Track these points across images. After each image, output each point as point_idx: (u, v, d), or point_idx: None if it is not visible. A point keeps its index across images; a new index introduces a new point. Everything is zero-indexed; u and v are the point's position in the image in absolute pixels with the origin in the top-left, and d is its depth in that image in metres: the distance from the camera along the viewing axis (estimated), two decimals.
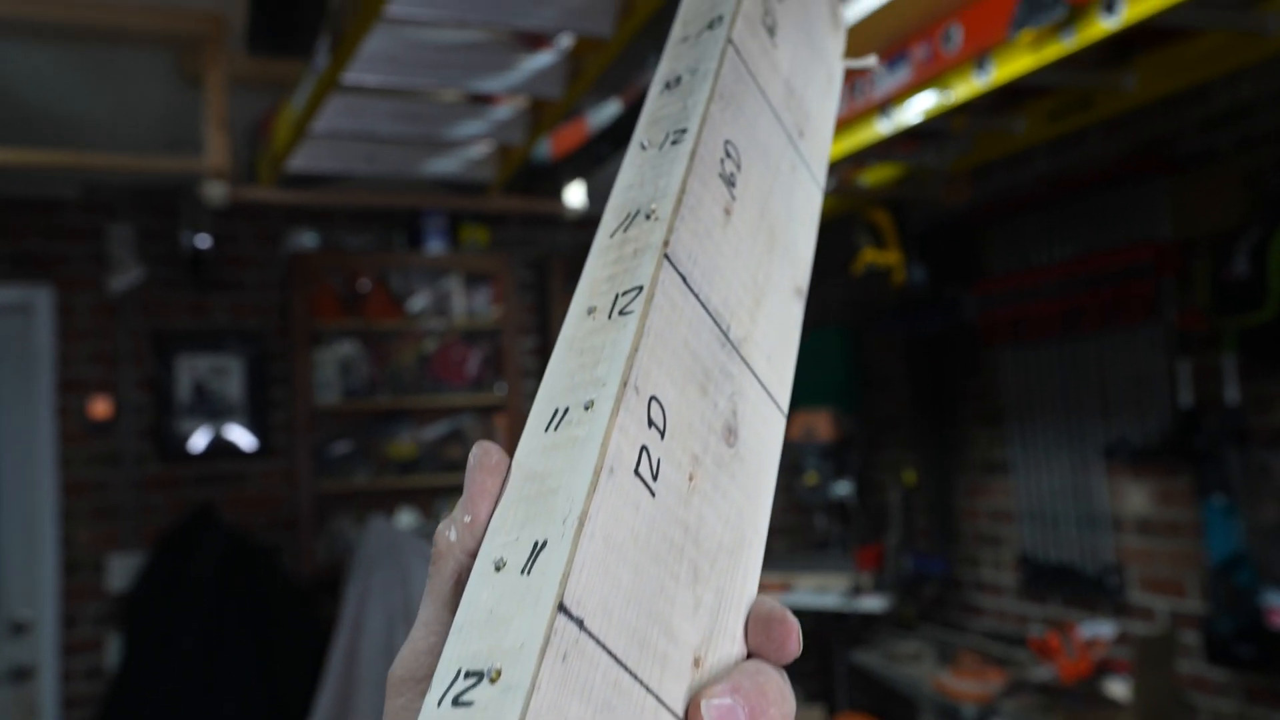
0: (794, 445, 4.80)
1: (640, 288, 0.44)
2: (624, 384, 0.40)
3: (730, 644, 0.42)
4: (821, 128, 0.67)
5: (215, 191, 2.93)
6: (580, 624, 0.35)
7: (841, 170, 3.79)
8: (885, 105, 2.98)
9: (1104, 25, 2.27)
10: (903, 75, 2.84)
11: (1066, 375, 3.81)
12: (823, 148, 0.67)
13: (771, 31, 0.63)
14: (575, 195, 3.94)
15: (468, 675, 0.35)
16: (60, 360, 4.14)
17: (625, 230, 0.48)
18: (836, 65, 0.73)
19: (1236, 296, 3.04)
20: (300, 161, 3.07)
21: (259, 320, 4.44)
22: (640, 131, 0.54)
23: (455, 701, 0.34)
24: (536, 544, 0.37)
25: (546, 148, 3.40)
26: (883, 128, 3.02)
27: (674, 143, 0.51)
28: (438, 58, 2.49)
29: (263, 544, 4.13)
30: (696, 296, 0.46)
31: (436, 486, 4.60)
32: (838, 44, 0.75)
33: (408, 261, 4.62)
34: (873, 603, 4.25)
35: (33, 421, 4.11)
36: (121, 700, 3.70)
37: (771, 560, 4.92)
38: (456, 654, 0.36)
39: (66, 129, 3.50)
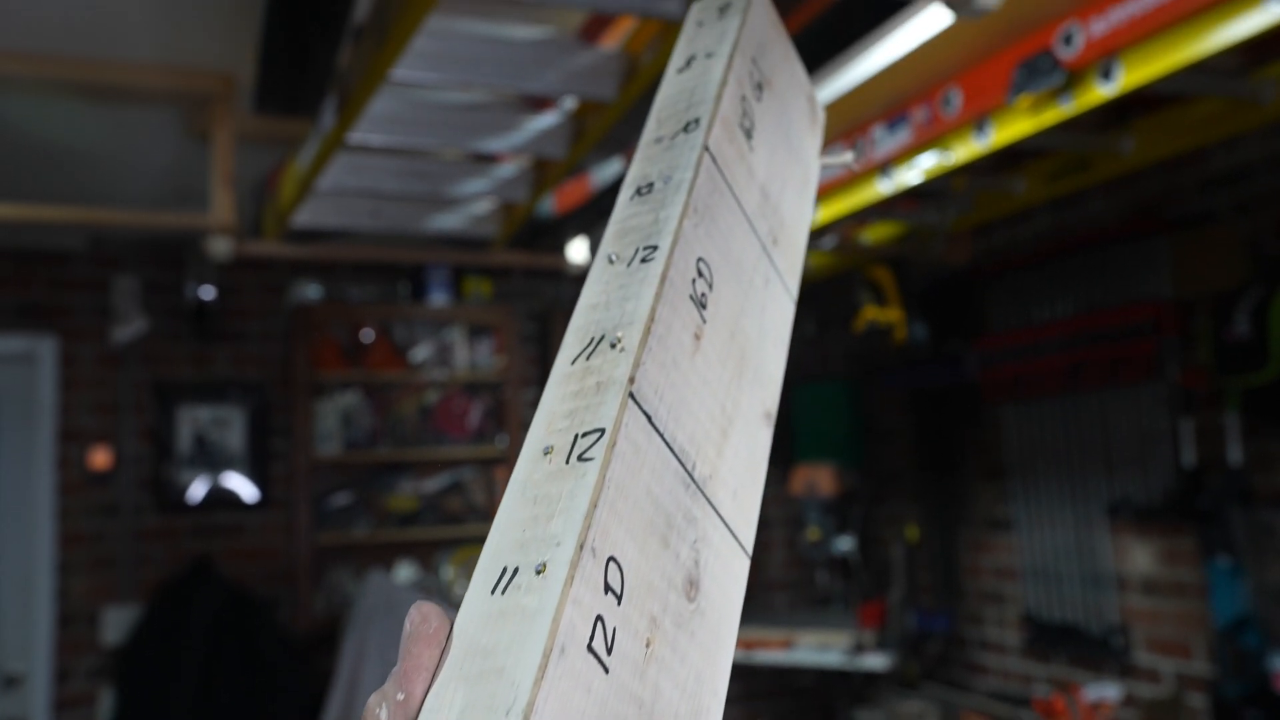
0: (796, 500, 4.77)
1: (602, 430, 0.41)
2: (580, 546, 0.37)
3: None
4: (796, 232, 0.66)
5: (220, 247, 2.95)
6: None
7: (842, 228, 3.82)
8: (886, 165, 3.01)
9: (1101, 92, 2.29)
10: (903, 137, 2.87)
11: (1069, 432, 3.80)
12: (797, 254, 0.65)
13: (749, 134, 0.61)
14: (579, 250, 3.96)
15: None
16: (62, 410, 4.14)
17: (588, 358, 0.45)
18: (813, 163, 0.72)
19: (1238, 356, 3.04)
20: (305, 217, 3.10)
21: (261, 371, 4.45)
22: (608, 242, 0.52)
23: None
24: None
25: (550, 204, 3.43)
26: (883, 187, 3.05)
27: (644, 260, 0.49)
28: (442, 118, 2.52)
29: (260, 597, 4.10)
30: (662, 436, 0.44)
31: (437, 539, 4.57)
32: (815, 140, 0.74)
33: (411, 313, 4.64)
34: (875, 661, 4.20)
35: (32, 472, 4.10)
36: None
37: (773, 616, 4.87)
38: None
39: (77, 180, 3.54)
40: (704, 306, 0.50)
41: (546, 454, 0.42)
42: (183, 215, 3.15)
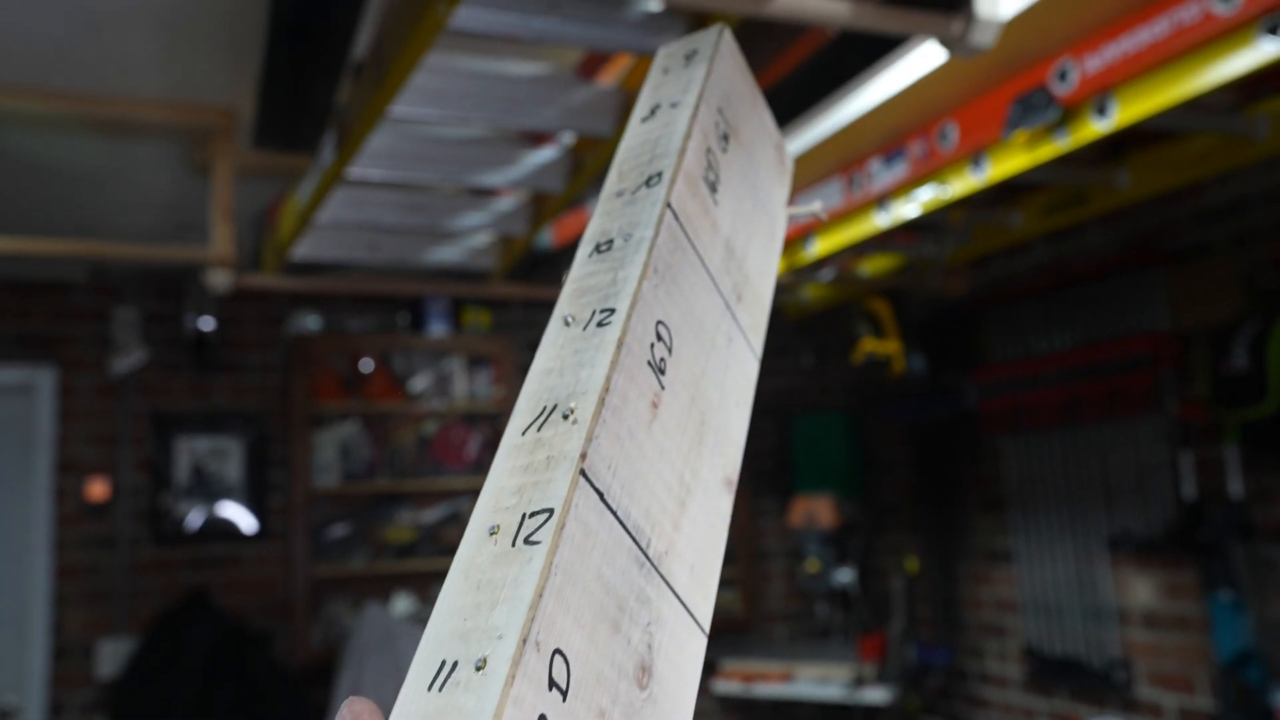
0: (795, 531, 4.76)
1: (551, 511, 0.39)
2: (523, 641, 0.35)
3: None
4: (761, 286, 0.64)
5: (220, 280, 2.95)
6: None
7: (840, 260, 3.83)
8: (883, 199, 3.02)
9: (1096, 128, 2.31)
10: (900, 170, 2.88)
11: (1068, 464, 3.79)
12: (761, 309, 0.63)
13: (714, 187, 0.59)
14: None
15: None
16: (60, 441, 4.14)
17: (539, 429, 0.43)
18: (780, 214, 0.70)
19: (1236, 390, 3.04)
20: (304, 250, 3.11)
21: (260, 402, 4.45)
22: (565, 302, 0.50)
23: None
24: None
25: (549, 236, 3.44)
26: (880, 220, 3.06)
27: (600, 324, 0.47)
28: (441, 153, 2.53)
29: (256, 630, 4.08)
30: (614, 514, 0.42)
31: (434, 571, 4.55)
32: (783, 190, 0.72)
33: (410, 344, 4.64)
34: (876, 695, 4.17)
35: (29, 503, 4.09)
36: None
37: (772, 649, 4.84)
38: None
39: (79, 212, 3.55)
40: (662, 372, 0.49)
41: (492, 534, 0.40)
42: (182, 248, 3.16)
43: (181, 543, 4.25)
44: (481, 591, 0.38)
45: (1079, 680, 3.70)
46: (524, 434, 0.44)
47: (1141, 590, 3.51)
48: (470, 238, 3.29)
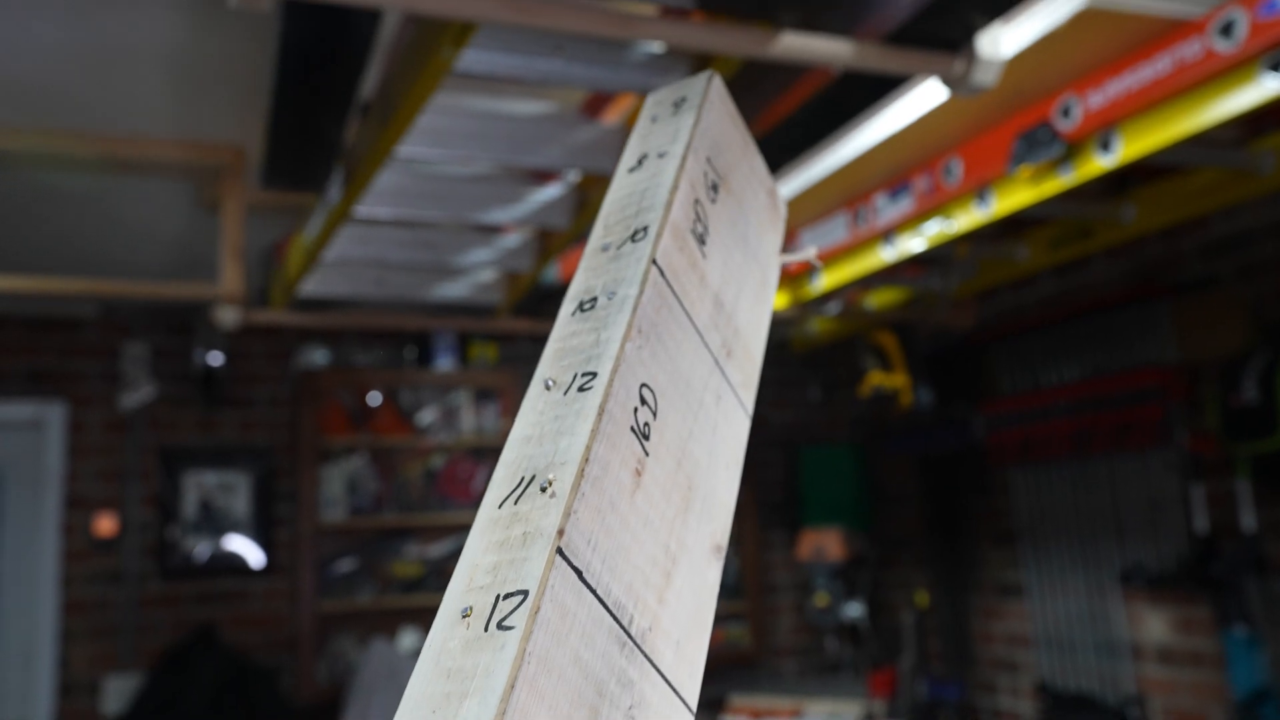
0: (803, 565, 4.73)
1: (526, 593, 0.37)
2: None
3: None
4: (752, 341, 0.62)
5: (228, 316, 2.97)
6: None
7: (847, 293, 3.83)
8: (889, 233, 3.03)
9: (1100, 163, 2.31)
10: (905, 205, 2.89)
11: (1078, 497, 3.76)
12: (753, 364, 0.62)
13: (702, 240, 0.58)
14: None
15: None
16: (68, 477, 4.15)
17: (516, 502, 0.42)
18: (773, 262, 0.68)
19: (1247, 423, 3.02)
20: (312, 286, 3.12)
21: (268, 436, 4.45)
22: (546, 364, 0.49)
23: None
24: None
25: (555, 270, 3.45)
26: (886, 255, 3.06)
27: (581, 389, 0.46)
28: (447, 191, 2.54)
29: (262, 665, 4.06)
30: (594, 592, 0.40)
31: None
32: (775, 237, 0.70)
33: (417, 378, 4.65)
34: None
35: (38, 539, 4.09)
36: None
37: (781, 684, 4.79)
38: None
39: (91, 249, 3.58)
40: (646, 438, 0.47)
41: (464, 617, 0.38)
42: (191, 285, 3.18)
43: (188, 577, 4.24)
44: (452, 680, 0.36)
45: (1093, 717, 3.66)
46: (500, 507, 0.42)
47: (1155, 625, 3.48)
48: (476, 273, 3.30)
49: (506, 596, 0.38)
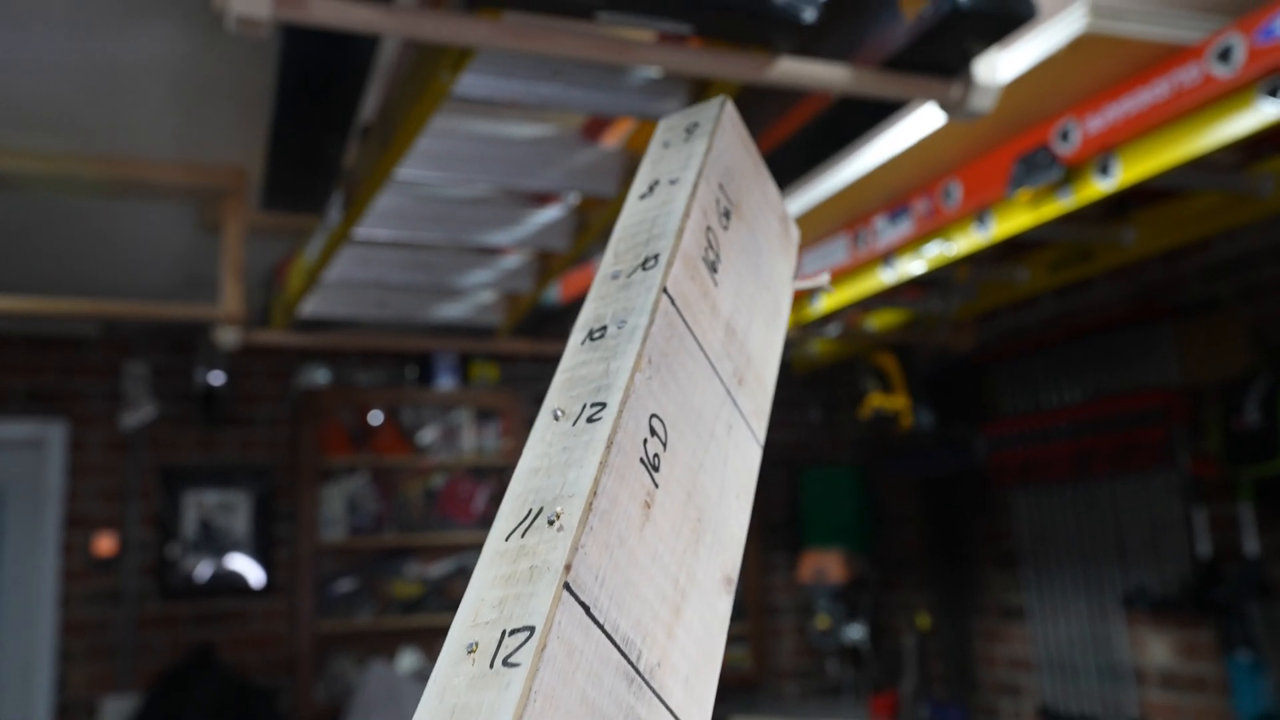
0: (805, 587, 4.71)
1: (532, 629, 0.37)
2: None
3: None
4: (764, 367, 0.62)
5: (229, 337, 2.97)
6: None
7: (847, 315, 3.83)
8: (888, 255, 3.03)
9: (1099, 187, 2.31)
10: (905, 228, 2.89)
11: (1081, 519, 3.75)
12: (765, 392, 0.61)
13: (713, 268, 0.58)
14: None
15: None
16: (69, 496, 4.14)
17: (523, 535, 0.41)
18: (785, 288, 0.68)
19: (1249, 446, 3.01)
20: (313, 307, 3.13)
21: (268, 456, 4.45)
22: (555, 394, 0.49)
23: None
24: None
25: (555, 292, 3.45)
26: (886, 277, 3.06)
27: (590, 420, 0.45)
28: (447, 213, 2.55)
29: (260, 686, 4.04)
30: (601, 628, 0.40)
31: (440, 627, 4.51)
32: (788, 262, 0.70)
33: (418, 397, 4.65)
34: None
35: (37, 559, 4.08)
36: None
37: (783, 707, 4.77)
38: None
39: (93, 269, 3.59)
40: (656, 469, 0.46)
41: (470, 653, 0.38)
42: (192, 306, 3.19)
43: (188, 597, 4.23)
44: (456, 718, 0.36)
45: None
46: (507, 539, 0.42)
47: (1158, 649, 3.45)
48: (477, 294, 3.31)
49: (512, 633, 0.38)
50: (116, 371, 4.25)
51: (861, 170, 2.67)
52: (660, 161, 0.63)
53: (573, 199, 2.62)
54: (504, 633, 0.38)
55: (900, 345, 4.13)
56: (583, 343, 0.51)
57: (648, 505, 0.45)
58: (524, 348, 3.82)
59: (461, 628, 0.39)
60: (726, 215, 0.61)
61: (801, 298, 3.45)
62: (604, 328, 0.51)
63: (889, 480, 4.85)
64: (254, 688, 3.97)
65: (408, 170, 2.16)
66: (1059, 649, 3.83)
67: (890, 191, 2.88)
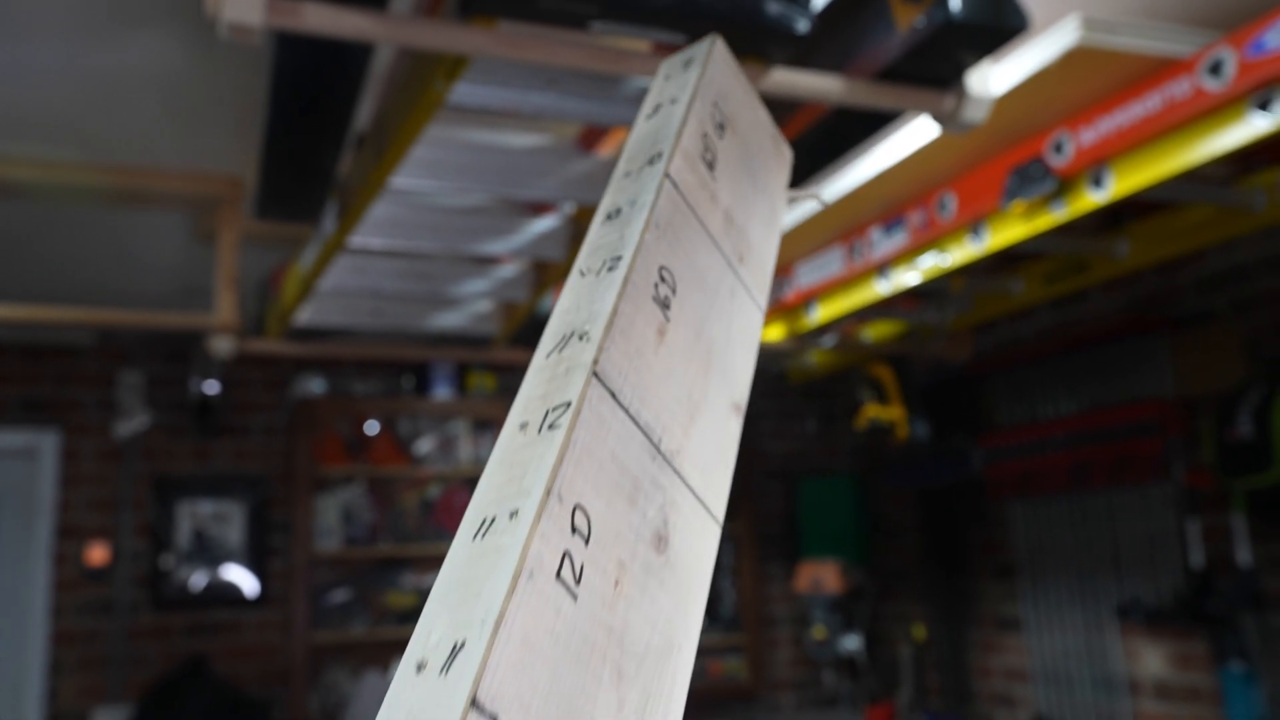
0: (801, 598, 4.70)
1: (569, 403, 0.45)
2: (547, 492, 0.42)
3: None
4: (763, 255, 0.69)
5: (223, 346, 2.97)
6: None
7: (842, 326, 3.83)
8: (884, 266, 3.03)
9: (1093, 199, 2.32)
10: (900, 239, 2.89)
11: (1077, 530, 3.75)
12: (764, 273, 0.69)
13: (711, 166, 0.66)
14: None
15: None
16: (61, 506, 4.13)
17: (560, 350, 0.49)
18: (780, 197, 0.77)
19: (1242, 457, 3.01)
20: (308, 316, 3.12)
21: (263, 465, 4.44)
22: (581, 260, 0.57)
23: None
24: (456, 645, 0.38)
25: (552, 301, 3.45)
26: (881, 288, 3.07)
27: (609, 269, 0.53)
28: (443, 222, 2.55)
29: (254, 698, 4.02)
30: (626, 411, 0.48)
31: None
32: (781, 176, 0.78)
33: (415, 407, 4.64)
34: None
35: (28, 569, 4.07)
36: None
37: (779, 718, 4.76)
38: None
39: (88, 278, 3.59)
40: (667, 307, 0.55)
41: (523, 429, 0.46)
42: (186, 315, 3.19)
43: (181, 608, 4.22)
44: (513, 469, 0.44)
45: None
46: (547, 357, 0.50)
47: (1152, 660, 3.45)
48: (473, 304, 3.31)
49: (554, 409, 0.46)
50: (111, 381, 4.24)
51: (857, 181, 2.68)
52: (663, 90, 0.72)
53: (569, 208, 2.63)
54: (547, 411, 0.46)
55: (896, 356, 4.14)
56: (601, 224, 0.60)
57: (661, 333, 0.54)
58: (521, 357, 3.82)
59: (515, 415, 0.48)
60: (721, 127, 0.70)
61: (795, 308, 3.45)
62: (619, 209, 0.60)
63: (886, 491, 4.85)
64: (247, 699, 3.95)
65: (403, 179, 2.17)
66: (1054, 660, 3.83)
67: (885, 203, 2.89)
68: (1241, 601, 3.05)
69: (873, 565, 4.82)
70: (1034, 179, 2.40)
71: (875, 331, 3.98)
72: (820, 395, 5.20)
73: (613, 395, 0.48)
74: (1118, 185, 2.25)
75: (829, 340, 3.87)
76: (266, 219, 2.35)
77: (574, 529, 0.42)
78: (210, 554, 4.28)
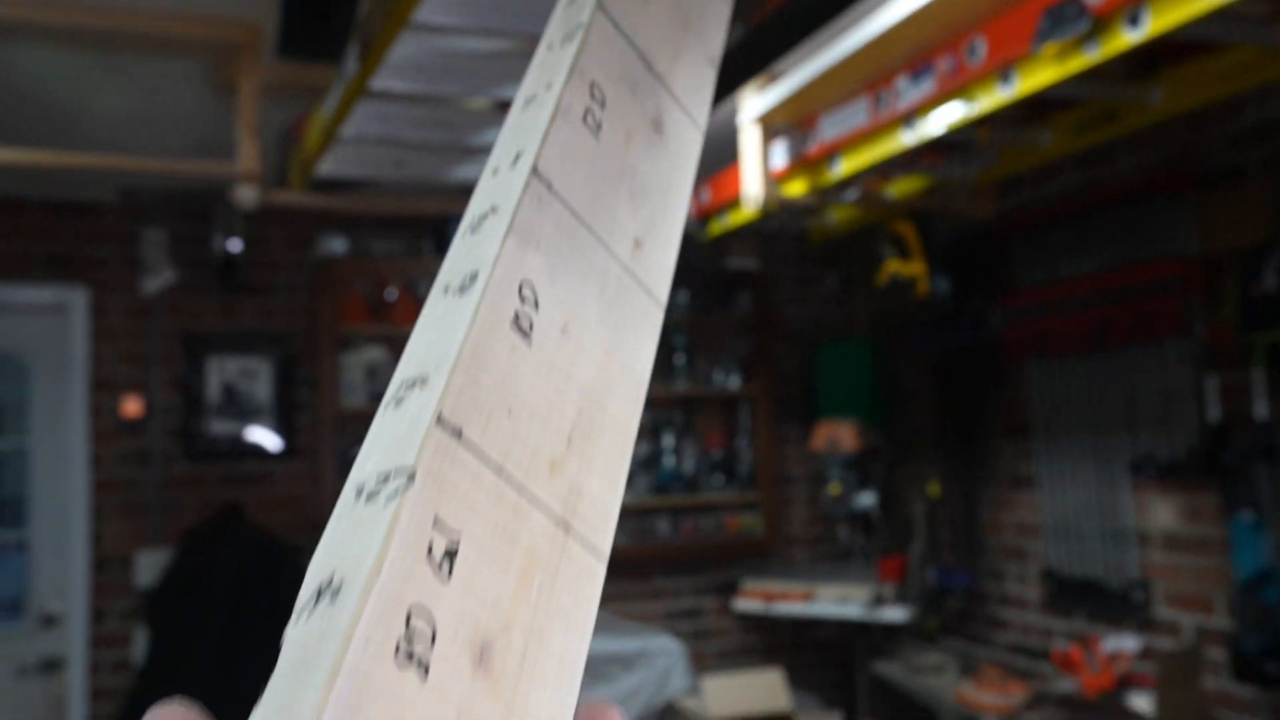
0: (818, 456, 4.79)
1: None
2: (571, 73, 0.47)
3: (661, 252, 0.50)
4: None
5: (246, 195, 2.98)
6: (549, 185, 0.43)
7: (865, 181, 3.79)
8: (909, 117, 2.98)
9: (1128, 38, 2.26)
10: (927, 87, 2.84)
11: (1093, 390, 3.78)
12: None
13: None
14: None
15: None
16: (94, 360, 4.22)
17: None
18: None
19: (1265, 312, 3.01)
20: (330, 166, 3.12)
21: (287, 323, 4.50)
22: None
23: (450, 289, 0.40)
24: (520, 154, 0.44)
25: None
26: (907, 138, 3.02)
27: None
28: (465, 65, 2.52)
29: (286, 543, 4.18)
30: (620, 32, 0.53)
31: None
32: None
33: (434, 268, 4.65)
34: (894, 614, 4.24)
35: (67, 420, 4.18)
36: (145, 694, 3.75)
37: (794, 571, 4.91)
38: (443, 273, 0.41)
39: (103, 134, 3.57)
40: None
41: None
42: (209, 164, 3.18)
43: (213, 460, 4.34)
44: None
45: (1097, 601, 3.74)
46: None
47: (1163, 513, 3.53)
48: None
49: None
50: (134, 238, 4.27)
51: (883, 26, 2.62)
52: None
53: None
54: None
55: (919, 212, 4.10)
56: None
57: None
58: None
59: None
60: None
61: (817, 161, 3.41)
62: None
63: (904, 357, 4.88)
64: (281, 544, 4.10)
65: (425, 14, 2.13)
66: (1066, 516, 3.92)
67: (913, 49, 2.82)
68: (1256, 454, 3.10)
69: (889, 427, 4.90)
70: (1068, 19, 2.34)
71: (898, 188, 3.94)
72: (840, 257, 5.19)
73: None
74: (1155, 22, 2.19)
75: (851, 194, 3.84)
76: (289, 59, 2.32)
77: (592, 94, 0.48)
78: (240, 409, 4.38)
